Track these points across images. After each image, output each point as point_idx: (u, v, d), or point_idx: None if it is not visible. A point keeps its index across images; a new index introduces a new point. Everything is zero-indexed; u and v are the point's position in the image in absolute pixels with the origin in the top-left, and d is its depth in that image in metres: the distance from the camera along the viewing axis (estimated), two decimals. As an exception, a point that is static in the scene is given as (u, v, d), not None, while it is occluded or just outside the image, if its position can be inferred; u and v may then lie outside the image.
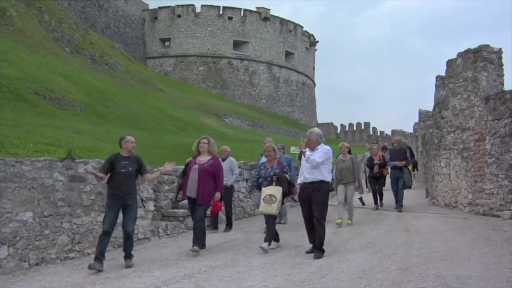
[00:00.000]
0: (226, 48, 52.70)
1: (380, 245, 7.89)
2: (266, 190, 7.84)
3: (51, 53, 25.32)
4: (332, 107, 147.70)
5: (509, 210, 9.42)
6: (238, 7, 54.07)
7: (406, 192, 12.74)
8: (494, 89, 10.38)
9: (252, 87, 53.27)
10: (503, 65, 10.77)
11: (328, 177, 7.38)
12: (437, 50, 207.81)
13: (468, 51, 11.05)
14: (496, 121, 9.91)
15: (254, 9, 54.58)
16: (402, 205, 12.23)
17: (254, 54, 53.84)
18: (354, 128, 62.00)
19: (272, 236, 7.90)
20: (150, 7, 55.54)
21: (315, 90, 64.39)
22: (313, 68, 63.50)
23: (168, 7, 53.69)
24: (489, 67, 10.56)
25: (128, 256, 7.27)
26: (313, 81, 63.27)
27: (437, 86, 12.72)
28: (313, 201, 7.26)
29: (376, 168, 12.60)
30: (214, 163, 8.09)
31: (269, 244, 7.75)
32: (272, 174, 7.99)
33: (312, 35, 61.88)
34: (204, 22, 52.53)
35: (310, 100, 61.13)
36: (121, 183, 7.17)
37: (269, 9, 54.90)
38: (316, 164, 7.24)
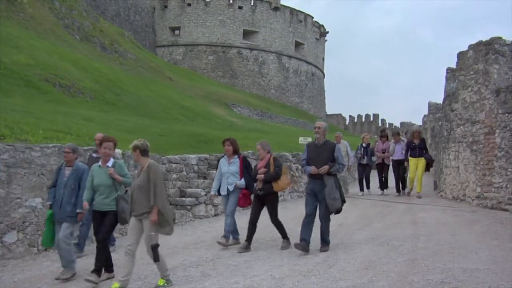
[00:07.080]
0: (235, 38, 52.56)
1: (387, 237, 7.88)
2: None
3: (61, 40, 25.36)
4: (341, 98, 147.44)
5: (518, 204, 9.37)
6: (249, -4, 53.82)
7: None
8: (505, 82, 10.27)
9: (261, 77, 53.16)
10: (515, 57, 10.64)
11: None
12: (449, 42, 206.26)
13: (479, 43, 10.93)
14: (506, 114, 9.81)
15: (265, -1, 54.33)
16: (328, 242, 7.30)
17: (264, 44, 53.67)
18: (363, 119, 61.76)
19: None
20: (161, -5, 55.40)
21: (325, 81, 64.19)
22: (323, 59, 63.21)
23: (179, -5, 53.54)
24: (501, 60, 10.44)
25: None
26: (323, 72, 63.03)
27: (447, 79, 12.61)
28: None
29: (259, 183, 7.53)
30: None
31: None
32: None
33: (322, 26, 61.54)
34: (214, 11, 52.35)
35: (319, 91, 60.94)
36: None
37: (280, -1, 54.63)
38: None
